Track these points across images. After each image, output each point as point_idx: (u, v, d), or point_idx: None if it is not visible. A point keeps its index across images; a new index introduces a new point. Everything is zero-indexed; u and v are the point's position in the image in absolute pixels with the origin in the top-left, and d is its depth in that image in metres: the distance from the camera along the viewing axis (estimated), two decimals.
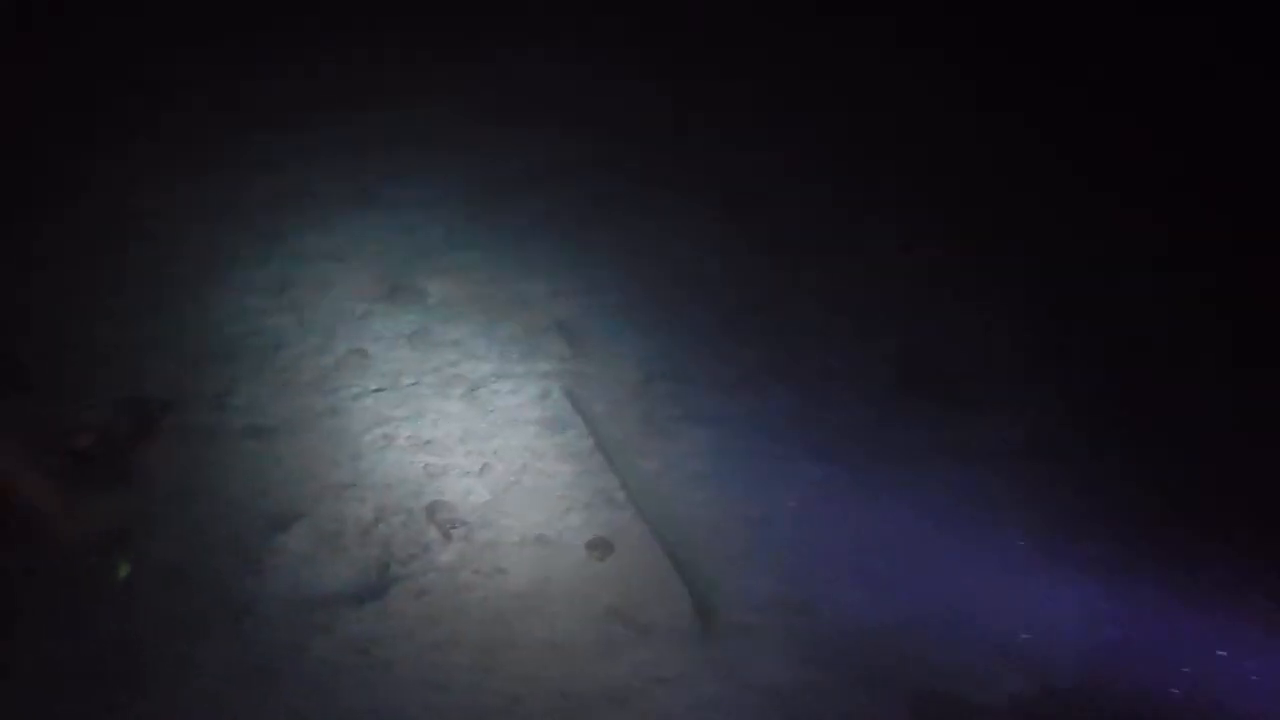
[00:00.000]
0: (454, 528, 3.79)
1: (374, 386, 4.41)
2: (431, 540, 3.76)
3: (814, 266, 5.21)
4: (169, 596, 3.46)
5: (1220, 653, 3.34)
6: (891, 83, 6.61)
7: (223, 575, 3.56)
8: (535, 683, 3.24)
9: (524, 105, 6.36)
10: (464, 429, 4.21)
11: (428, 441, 4.15)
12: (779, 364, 4.60)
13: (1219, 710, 3.19)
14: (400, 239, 5.25)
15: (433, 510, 3.86)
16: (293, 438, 4.16)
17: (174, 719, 3.09)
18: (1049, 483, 4.04)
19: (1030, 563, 3.68)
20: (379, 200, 5.51)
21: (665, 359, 4.59)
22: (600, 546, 3.75)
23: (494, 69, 6.76)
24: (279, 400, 4.33)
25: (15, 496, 2.81)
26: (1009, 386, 4.52)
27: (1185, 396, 4.41)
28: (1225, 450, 4.15)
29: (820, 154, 6.01)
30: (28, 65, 6.15)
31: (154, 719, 3.09)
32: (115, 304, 4.69)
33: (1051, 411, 4.39)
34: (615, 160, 5.83)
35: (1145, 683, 3.25)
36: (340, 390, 4.39)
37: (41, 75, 6.15)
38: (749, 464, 4.09)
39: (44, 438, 3.91)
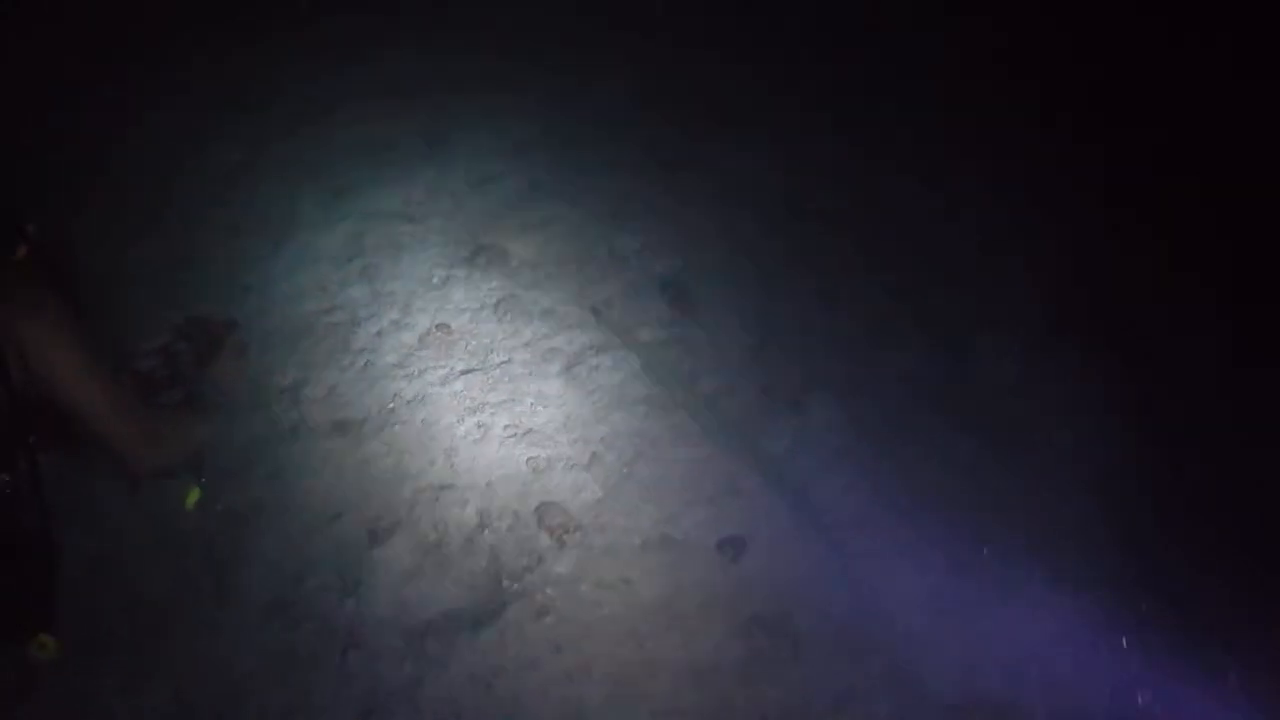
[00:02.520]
0: (568, 532, 3.53)
1: (462, 367, 4.15)
2: (544, 547, 3.53)
3: (936, 189, 4.76)
4: (267, 630, 3.26)
5: None
6: None
7: (322, 601, 3.32)
8: (683, 717, 2.98)
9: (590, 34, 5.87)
10: (566, 414, 3.96)
11: (528, 431, 3.90)
12: (910, 315, 4.20)
13: None
14: (476, 192, 4.87)
15: (542, 512, 3.62)
16: (380, 433, 3.94)
17: None
18: None
19: None
20: (449, 148, 5.10)
21: (779, 317, 4.25)
22: (733, 545, 3.51)
23: None
24: (360, 388, 4.10)
25: (93, 423, 2.66)
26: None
27: None
28: None
29: None
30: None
31: None
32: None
33: None
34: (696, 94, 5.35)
35: None
36: (426, 373, 4.14)
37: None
38: (890, 437, 3.77)
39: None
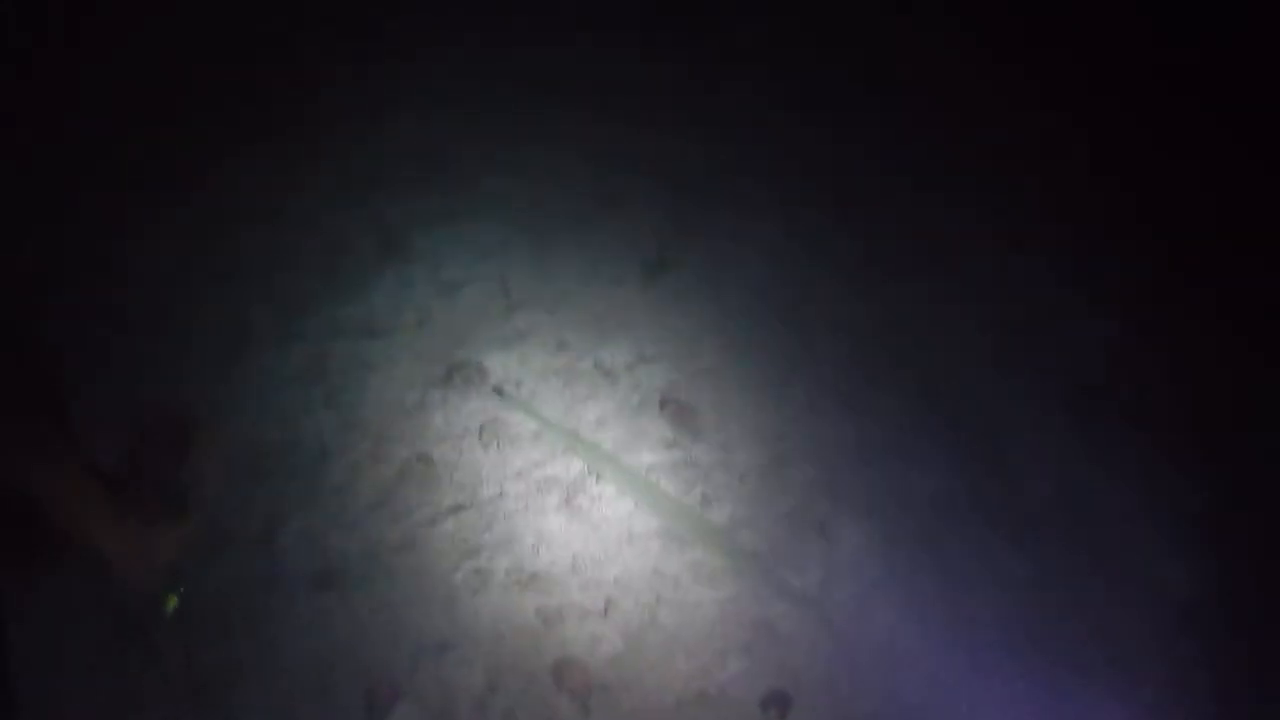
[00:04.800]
0: (590, 693, 3.29)
1: (450, 504, 3.92)
2: (566, 713, 3.27)
3: (949, 278, 4.66)
4: None
5: None
6: None
7: None
8: None
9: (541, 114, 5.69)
10: (572, 554, 3.75)
11: (532, 575, 3.69)
12: (931, 423, 4.08)
13: None
14: (444, 303, 4.63)
15: (559, 671, 3.40)
16: (367, 585, 3.70)
17: None
18: None
19: None
20: (408, 251, 4.86)
21: (792, 430, 4.10)
22: (777, 702, 3.35)
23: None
24: (339, 533, 3.85)
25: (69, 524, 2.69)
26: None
27: None
28: None
29: None
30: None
31: None
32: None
33: None
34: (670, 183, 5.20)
35: None
36: (411, 513, 3.90)
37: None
38: (929, 562, 3.63)
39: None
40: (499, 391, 4.29)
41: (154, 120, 5.27)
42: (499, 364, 4.41)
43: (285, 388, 4.37)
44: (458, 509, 3.92)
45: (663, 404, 4.20)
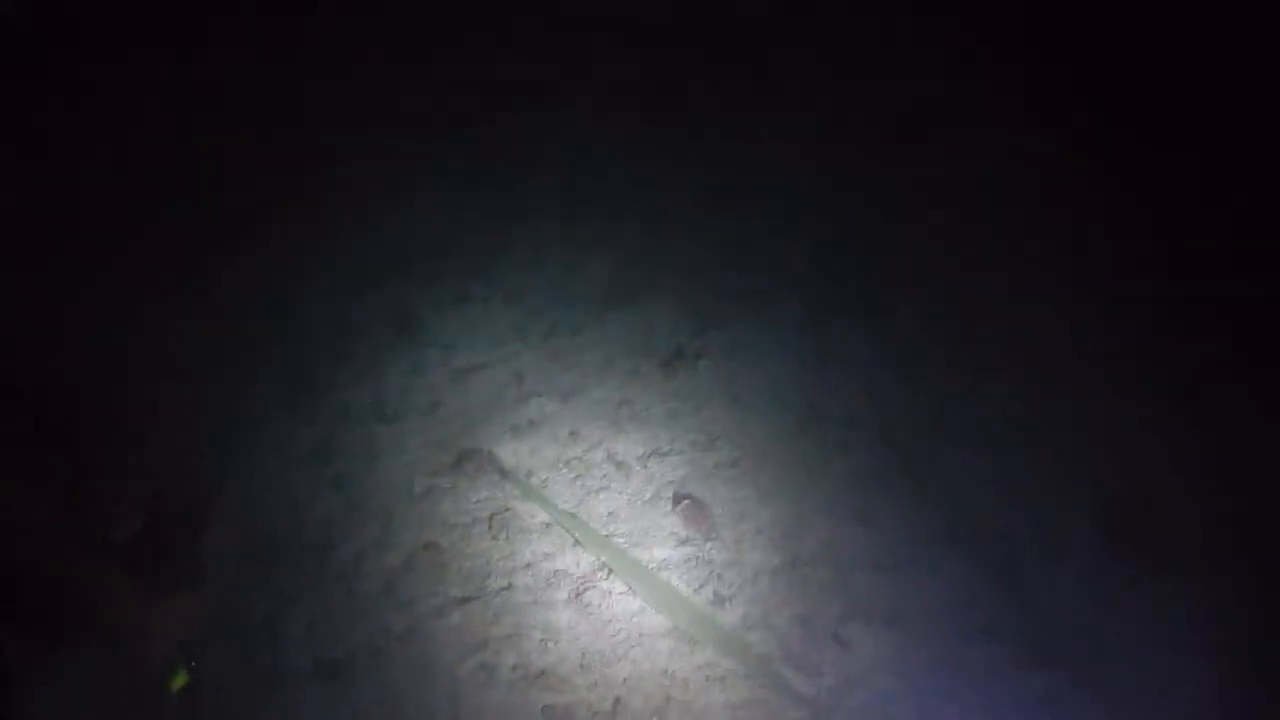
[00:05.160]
0: None
1: (457, 594, 3.86)
2: None
3: (966, 376, 4.64)
4: None
5: None
6: None
7: None
8: None
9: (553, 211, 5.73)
10: (581, 650, 3.69)
11: (540, 672, 3.62)
12: (951, 534, 4.03)
13: None
14: (455, 388, 4.62)
15: None
16: (371, 676, 3.63)
17: None
18: None
19: None
20: (421, 335, 4.85)
21: (807, 532, 4.05)
22: None
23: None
24: (344, 621, 3.79)
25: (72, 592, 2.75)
26: None
27: None
28: None
29: None
30: None
31: None
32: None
33: None
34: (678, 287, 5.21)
35: None
36: (416, 602, 3.84)
37: None
38: (949, 677, 3.56)
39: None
40: (503, 473, 4.26)
41: (167, 202, 5.30)
42: (510, 453, 4.36)
43: (293, 470, 4.34)
44: (465, 600, 3.86)
45: (676, 499, 4.15)
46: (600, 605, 3.86)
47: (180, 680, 3.23)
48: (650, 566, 3.98)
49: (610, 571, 3.94)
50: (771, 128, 6.11)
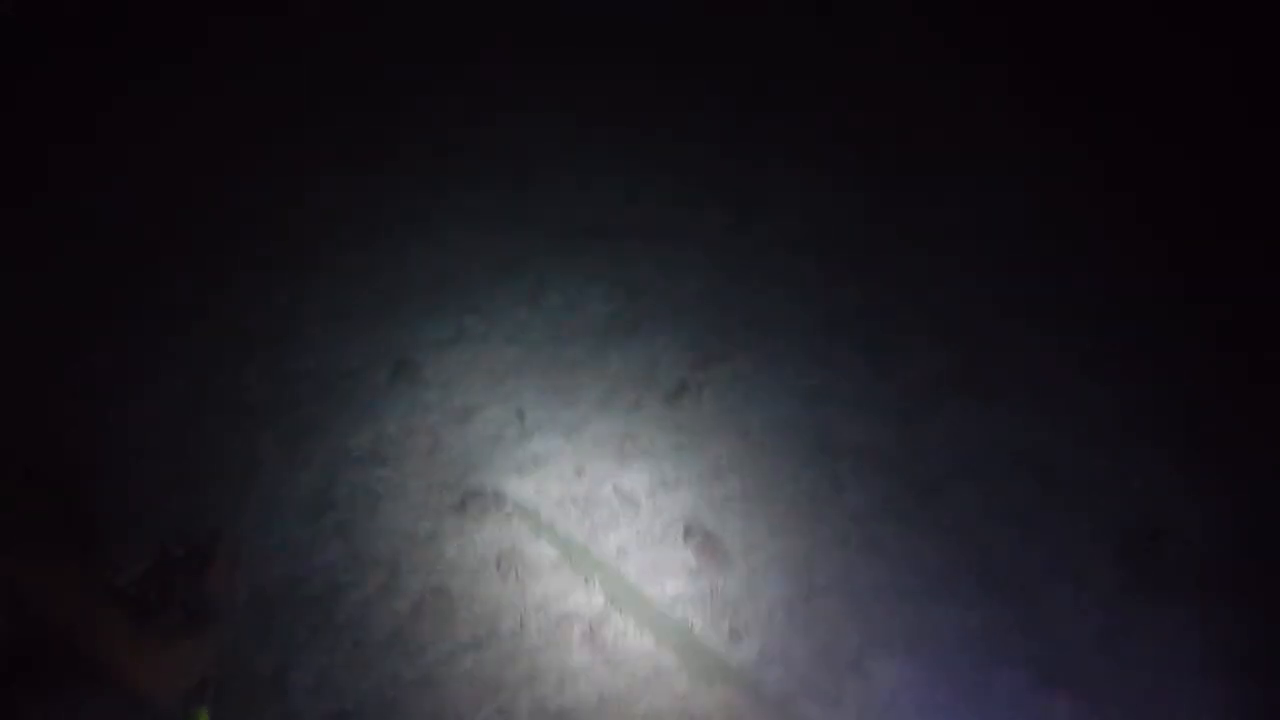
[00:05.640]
0: None
1: (468, 638, 3.81)
2: None
3: (982, 410, 4.61)
4: None
5: None
6: None
7: None
8: None
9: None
10: (598, 692, 3.64)
11: (558, 714, 3.63)
12: (967, 563, 4.00)
13: None
14: (455, 428, 4.57)
15: None
16: None
17: None
18: None
19: None
20: (416, 376, 4.82)
21: (821, 563, 4.00)
22: None
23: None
24: (354, 671, 3.73)
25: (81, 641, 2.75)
26: None
27: None
28: None
29: None
30: None
31: None
32: None
33: None
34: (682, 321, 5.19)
35: None
36: (427, 649, 3.78)
37: None
38: (972, 706, 3.50)
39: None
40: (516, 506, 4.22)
41: (159, 251, 5.27)
42: (514, 491, 4.30)
43: (294, 518, 4.28)
44: (476, 644, 3.81)
45: (687, 532, 4.10)
46: (615, 645, 3.81)
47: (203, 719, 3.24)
48: (662, 603, 3.90)
49: (621, 610, 3.88)
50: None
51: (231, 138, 5.95)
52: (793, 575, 4.00)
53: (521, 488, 4.37)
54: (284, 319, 5.17)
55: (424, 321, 5.23)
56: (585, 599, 3.96)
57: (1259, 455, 4.39)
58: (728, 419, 4.63)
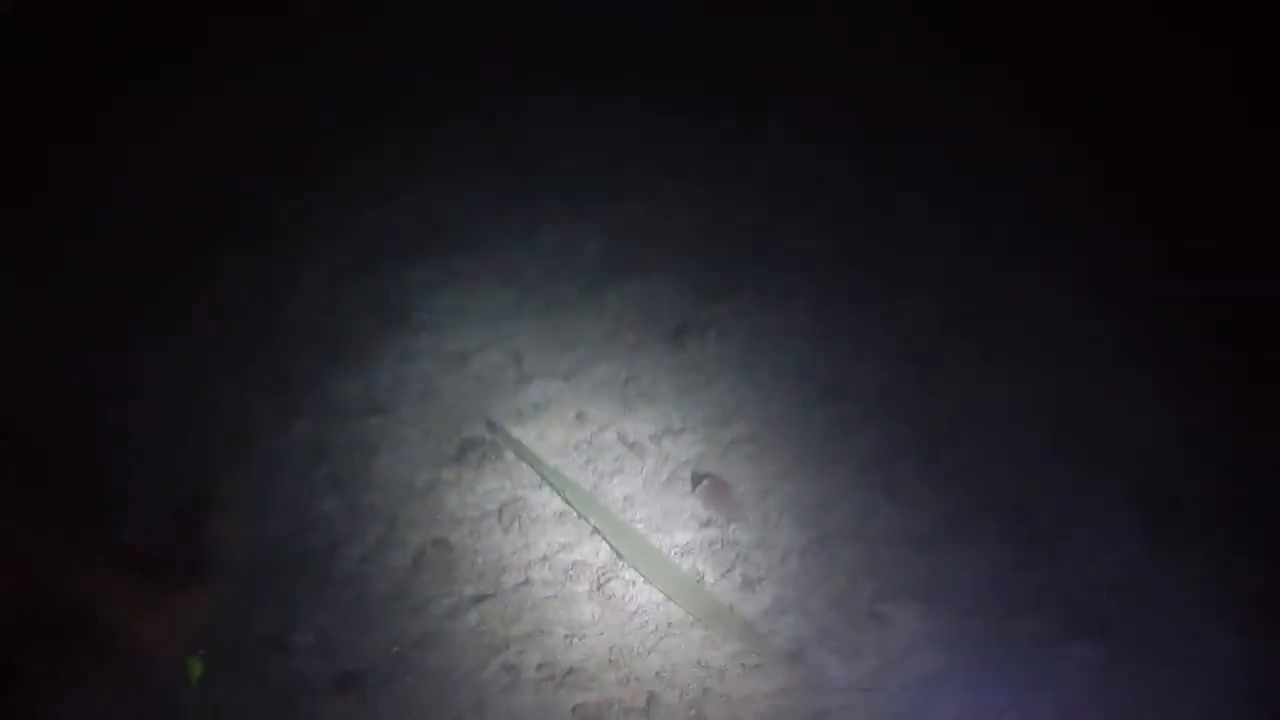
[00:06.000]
0: None
1: (472, 593, 3.70)
2: None
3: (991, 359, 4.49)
4: None
5: None
6: None
7: None
8: None
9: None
10: (609, 645, 3.55)
11: (568, 671, 3.47)
12: (983, 505, 3.90)
13: None
14: (450, 373, 4.43)
15: None
16: (390, 686, 3.45)
17: None
18: None
19: None
20: (409, 321, 4.66)
21: (832, 508, 3.89)
22: None
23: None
24: (357, 629, 3.65)
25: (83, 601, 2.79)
26: None
27: None
28: None
29: None
30: None
31: None
32: None
33: None
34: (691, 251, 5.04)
35: None
36: (430, 604, 3.69)
37: None
38: (994, 653, 3.43)
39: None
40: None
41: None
42: (514, 438, 4.18)
43: (290, 471, 4.14)
44: (481, 599, 3.71)
45: (695, 479, 3.99)
46: (624, 597, 3.72)
47: (197, 670, 3.24)
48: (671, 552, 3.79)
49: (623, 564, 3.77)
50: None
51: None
52: (805, 522, 3.90)
53: (521, 436, 4.21)
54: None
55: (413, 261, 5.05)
56: (592, 550, 3.84)
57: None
58: (728, 360, 4.48)
